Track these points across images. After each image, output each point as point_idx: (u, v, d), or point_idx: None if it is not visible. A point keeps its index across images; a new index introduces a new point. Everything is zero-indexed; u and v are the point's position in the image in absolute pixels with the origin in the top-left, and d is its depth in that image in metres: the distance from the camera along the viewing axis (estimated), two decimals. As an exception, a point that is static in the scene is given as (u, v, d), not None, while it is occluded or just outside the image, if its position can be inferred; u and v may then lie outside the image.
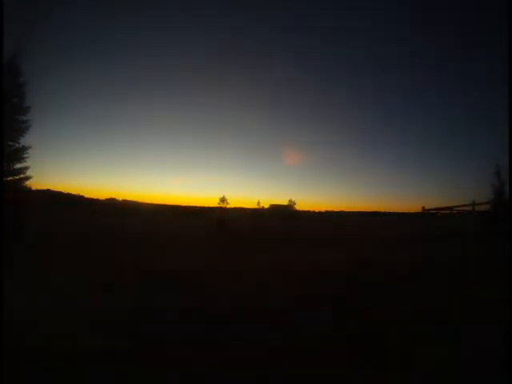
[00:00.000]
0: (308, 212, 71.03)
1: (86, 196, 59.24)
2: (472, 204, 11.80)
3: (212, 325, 2.92)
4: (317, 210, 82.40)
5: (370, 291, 4.23)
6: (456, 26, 59.49)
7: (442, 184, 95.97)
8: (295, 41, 77.07)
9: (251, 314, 3.23)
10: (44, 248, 7.41)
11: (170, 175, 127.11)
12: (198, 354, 2.32)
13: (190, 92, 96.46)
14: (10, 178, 9.41)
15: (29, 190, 10.04)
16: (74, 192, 57.94)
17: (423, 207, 13.39)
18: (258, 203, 50.52)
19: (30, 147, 9.82)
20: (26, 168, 9.73)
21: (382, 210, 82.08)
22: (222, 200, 45.47)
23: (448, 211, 14.17)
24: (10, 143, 9.45)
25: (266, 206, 54.24)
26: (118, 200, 66.99)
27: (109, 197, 68.78)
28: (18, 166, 9.64)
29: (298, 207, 48.96)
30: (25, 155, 9.72)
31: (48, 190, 43.01)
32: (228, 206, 47.02)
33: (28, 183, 9.84)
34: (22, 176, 9.67)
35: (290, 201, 46.84)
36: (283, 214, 38.97)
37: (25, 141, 9.78)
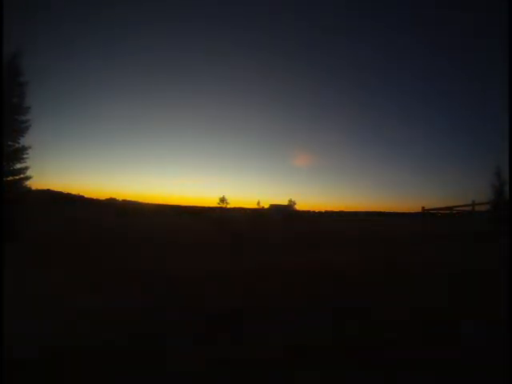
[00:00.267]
0: (308, 212, 71.00)
1: (85, 196, 59.31)
2: (472, 204, 11.80)
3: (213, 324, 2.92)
4: (317, 210, 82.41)
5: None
6: (456, 26, 59.44)
7: (442, 184, 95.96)
8: (295, 39, 76.88)
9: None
10: (44, 248, 7.41)
11: (170, 175, 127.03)
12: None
13: (191, 92, 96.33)
14: (10, 178, 9.39)
15: (29, 190, 10.03)
16: (74, 192, 57.99)
17: (423, 207, 13.41)
18: (258, 203, 50.52)
19: (29, 147, 9.81)
20: (26, 168, 9.72)
21: (382, 210, 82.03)
22: (222, 200, 45.45)
23: (448, 211, 14.18)
24: (9, 143, 9.44)
25: (266, 206, 54.24)
26: (117, 200, 67.03)
27: (109, 197, 68.84)
28: (18, 166, 9.61)
29: (297, 207, 48.88)
30: (25, 155, 9.71)
31: (48, 189, 43.04)
32: (228, 206, 46.97)
33: (28, 183, 9.83)
34: (21, 176, 9.65)
35: (290, 201, 46.81)
36: (283, 214, 38.91)
37: (25, 141, 9.77)
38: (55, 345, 2.43)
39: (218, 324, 2.96)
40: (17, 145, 9.63)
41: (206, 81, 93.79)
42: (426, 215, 13.57)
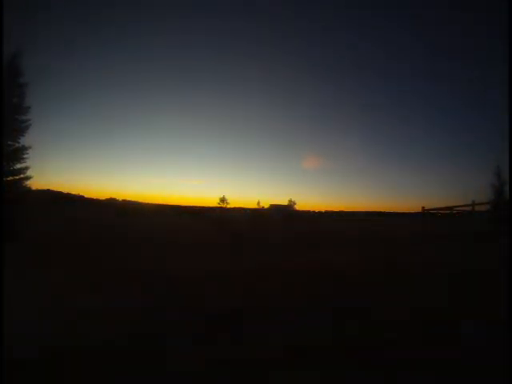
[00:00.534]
0: (308, 212, 70.99)
1: (85, 196, 59.31)
2: (472, 204, 11.80)
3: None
4: (317, 210, 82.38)
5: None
6: (457, 26, 59.45)
7: (442, 184, 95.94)
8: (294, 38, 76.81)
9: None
10: (44, 248, 7.41)
11: (170, 175, 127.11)
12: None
13: (191, 92, 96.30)
14: (10, 178, 9.39)
15: (29, 190, 10.03)
16: (73, 192, 57.98)
17: (423, 207, 13.41)
18: (258, 203, 50.49)
19: (29, 147, 9.81)
20: (26, 168, 9.72)
21: (382, 210, 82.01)
22: (222, 200, 45.44)
23: (448, 211, 14.18)
24: (9, 143, 9.44)
25: (266, 206, 54.23)
26: (118, 200, 67.05)
27: (109, 197, 68.86)
28: (18, 165, 9.61)
29: (297, 207, 48.87)
30: (25, 155, 9.71)
31: (48, 189, 43.05)
32: (228, 206, 46.97)
33: (28, 183, 9.83)
34: (21, 176, 9.65)
35: (290, 201, 46.79)
36: (283, 214, 38.90)
37: (25, 141, 9.77)
38: (55, 345, 2.43)
39: (218, 324, 2.96)
40: (17, 145, 9.63)
41: (207, 81, 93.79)
42: (426, 215, 13.57)
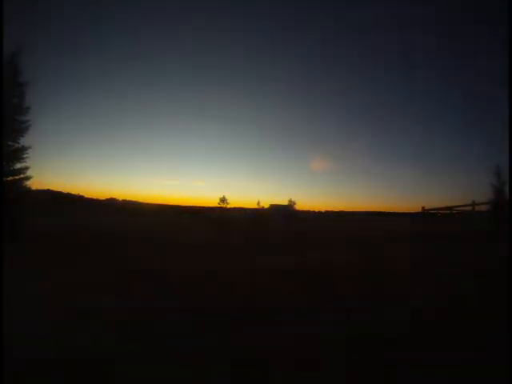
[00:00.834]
0: (308, 212, 70.98)
1: (86, 196, 59.22)
2: (472, 204, 11.79)
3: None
4: (317, 210, 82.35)
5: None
6: (457, 26, 59.42)
7: (442, 184, 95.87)
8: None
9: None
10: (44, 248, 7.41)
11: (170, 175, 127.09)
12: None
13: (191, 92, 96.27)
14: (10, 178, 9.40)
15: (29, 190, 10.03)
16: (74, 192, 57.85)
17: (423, 207, 13.39)
18: (258, 203, 50.41)
19: (29, 147, 9.82)
20: (26, 168, 9.73)
21: (382, 210, 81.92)
22: (222, 200, 45.36)
23: (448, 211, 14.17)
24: (9, 143, 9.45)
25: (266, 206, 54.17)
26: (118, 200, 67.03)
27: (109, 197, 68.80)
28: (18, 166, 9.63)
29: (297, 207, 48.77)
30: (25, 155, 9.72)
31: (48, 189, 43.01)
32: (228, 206, 46.91)
33: (28, 183, 9.84)
34: (21, 176, 9.66)
35: (290, 201, 46.68)
36: (283, 214, 38.86)
37: (25, 141, 9.79)
38: (55, 344, 2.43)
39: (218, 324, 2.96)
40: (17, 145, 9.65)
41: (207, 81, 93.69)
42: (426, 215, 13.55)
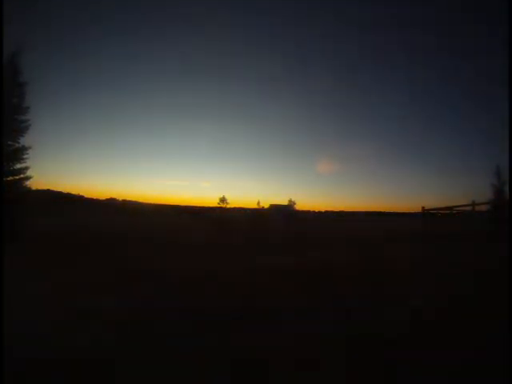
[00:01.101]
0: (308, 212, 70.92)
1: (85, 196, 59.17)
2: (472, 204, 11.79)
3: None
4: (317, 210, 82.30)
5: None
6: (457, 26, 59.36)
7: (442, 184, 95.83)
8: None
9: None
10: (44, 248, 7.40)
11: (170, 175, 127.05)
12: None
13: (191, 92, 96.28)
14: (10, 178, 9.40)
15: (29, 190, 10.03)
16: (74, 192, 57.79)
17: (423, 207, 13.38)
18: (258, 203, 50.36)
19: (29, 147, 9.82)
20: (26, 168, 9.73)
21: (382, 210, 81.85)
22: (222, 200, 45.32)
23: (448, 211, 14.16)
24: (9, 143, 9.45)
25: (266, 206, 54.11)
26: (118, 200, 66.95)
27: (109, 197, 68.74)
28: (18, 166, 9.63)
29: (298, 207, 48.72)
30: (25, 155, 9.72)
31: (48, 189, 42.99)
32: (228, 206, 46.86)
33: (28, 183, 9.85)
34: (22, 176, 9.67)
35: (290, 201, 46.63)
36: (283, 214, 38.85)
37: (25, 141, 9.79)
38: (55, 344, 2.43)
39: (218, 324, 2.96)
40: (17, 145, 9.65)
41: (207, 81, 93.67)
42: (426, 215, 13.54)
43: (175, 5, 62.67)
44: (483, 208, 12.63)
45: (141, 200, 70.91)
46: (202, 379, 2.05)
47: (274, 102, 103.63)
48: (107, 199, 66.22)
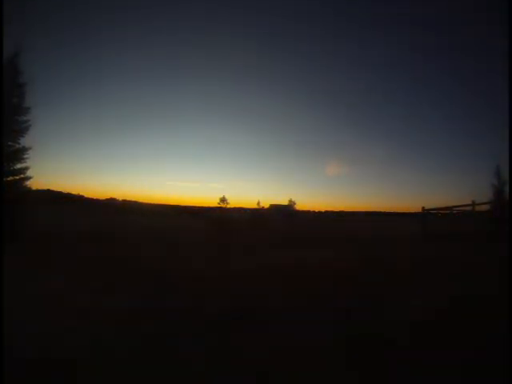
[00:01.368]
0: (308, 212, 70.91)
1: (86, 196, 59.16)
2: (472, 204, 11.79)
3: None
4: (317, 210, 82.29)
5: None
6: (457, 26, 59.35)
7: (442, 184, 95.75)
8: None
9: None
10: (44, 248, 7.41)
11: (170, 175, 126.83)
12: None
13: (191, 92, 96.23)
14: (10, 178, 9.39)
15: (29, 190, 10.03)
16: (74, 192, 57.78)
17: (423, 207, 13.40)
18: (258, 203, 50.37)
19: (30, 148, 9.82)
20: (26, 168, 9.73)
21: (382, 210, 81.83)
22: (222, 200, 45.33)
23: (448, 211, 14.16)
24: (10, 143, 9.44)
25: (266, 206, 54.11)
26: (118, 200, 66.94)
27: (109, 197, 68.72)
28: (18, 166, 9.62)
29: (297, 207, 48.70)
30: (25, 155, 9.71)
31: (48, 189, 42.98)
32: (228, 206, 46.87)
33: (28, 183, 9.84)
34: (22, 176, 9.66)
35: (290, 201, 46.63)
36: (283, 214, 38.86)
37: (25, 141, 9.78)
38: (56, 344, 2.43)
39: (218, 324, 2.96)
40: (17, 145, 9.64)
41: (207, 80, 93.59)
42: (426, 215, 13.55)
43: (175, 5, 62.49)
44: (483, 208, 12.65)
45: (141, 200, 70.90)
46: (201, 379, 2.05)
47: (274, 101, 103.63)
48: (107, 199, 66.24)
